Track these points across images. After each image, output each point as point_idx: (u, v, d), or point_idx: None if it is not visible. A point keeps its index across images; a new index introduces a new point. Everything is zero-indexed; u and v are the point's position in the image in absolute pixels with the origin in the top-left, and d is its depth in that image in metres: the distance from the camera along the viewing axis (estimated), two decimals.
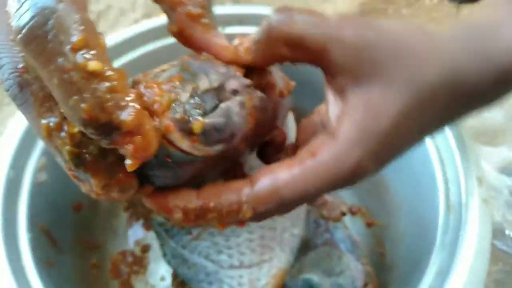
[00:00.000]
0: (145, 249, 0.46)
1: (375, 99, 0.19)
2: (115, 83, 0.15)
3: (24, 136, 0.35)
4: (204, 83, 0.20)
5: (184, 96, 0.19)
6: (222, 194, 0.20)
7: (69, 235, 0.39)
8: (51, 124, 0.17)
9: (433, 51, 0.20)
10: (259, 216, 0.20)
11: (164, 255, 0.41)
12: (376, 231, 0.46)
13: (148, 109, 0.18)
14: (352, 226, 0.47)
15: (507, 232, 0.40)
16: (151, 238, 0.47)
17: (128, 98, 0.15)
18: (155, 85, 0.19)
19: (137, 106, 0.16)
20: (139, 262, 0.46)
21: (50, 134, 0.17)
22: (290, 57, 0.20)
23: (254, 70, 0.22)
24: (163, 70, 0.21)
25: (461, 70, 0.20)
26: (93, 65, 0.15)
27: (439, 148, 0.34)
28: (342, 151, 0.19)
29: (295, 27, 0.19)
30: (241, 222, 0.20)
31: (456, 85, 0.19)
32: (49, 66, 0.15)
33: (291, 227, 0.36)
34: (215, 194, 0.20)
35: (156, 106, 0.18)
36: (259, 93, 0.21)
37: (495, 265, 0.40)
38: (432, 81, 0.19)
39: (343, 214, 0.41)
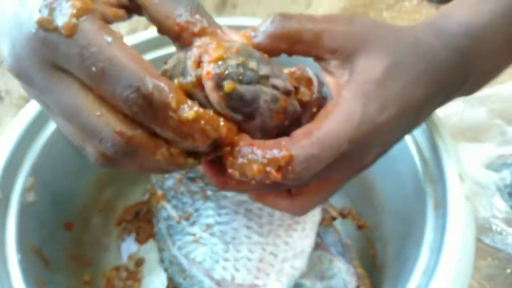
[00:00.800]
0: (139, 263, 0.46)
1: (365, 65, 0.24)
2: (206, 116, 0.22)
3: (11, 157, 0.35)
4: (253, 64, 0.23)
5: (232, 62, 0.23)
6: (266, 143, 0.24)
7: (61, 253, 0.39)
8: (165, 153, 0.22)
9: (402, 30, 0.26)
10: (304, 168, 0.23)
11: (162, 261, 0.41)
12: (367, 233, 0.46)
13: (200, 58, 0.23)
14: (344, 229, 0.47)
15: (493, 227, 0.40)
16: (144, 251, 0.47)
17: (220, 121, 0.23)
18: (215, 42, 0.23)
19: (223, 123, 0.23)
20: (133, 276, 0.46)
21: (167, 157, 0.22)
22: (289, 50, 0.25)
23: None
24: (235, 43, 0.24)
25: (421, 40, 0.26)
26: (190, 115, 0.21)
27: (420, 147, 0.35)
28: (351, 104, 0.23)
29: (293, 24, 0.24)
30: (282, 170, 0.23)
31: (418, 50, 0.26)
32: (163, 126, 0.21)
33: (293, 259, 0.36)
34: (259, 143, 0.24)
35: (205, 57, 0.23)
36: (296, 104, 0.25)
37: (484, 260, 0.40)
38: (404, 47, 0.25)
39: (333, 218, 0.42)
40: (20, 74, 0.22)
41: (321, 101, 0.26)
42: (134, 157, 0.22)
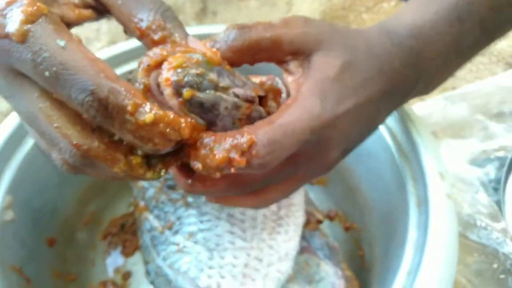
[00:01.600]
0: (126, 276, 0.46)
1: (321, 63, 0.25)
2: (166, 119, 0.21)
3: None
4: (213, 76, 0.23)
5: (192, 70, 0.23)
6: (228, 132, 0.23)
7: (44, 271, 0.38)
8: (123, 167, 0.22)
9: (356, 31, 0.27)
10: (265, 153, 0.22)
11: (148, 273, 0.40)
12: (354, 235, 0.46)
13: (149, 67, 0.23)
14: (331, 232, 0.47)
15: (478, 223, 0.40)
16: (131, 264, 0.46)
17: (181, 123, 0.22)
18: (176, 51, 0.23)
19: (184, 124, 0.22)
20: None
21: (125, 170, 0.22)
22: (251, 61, 0.25)
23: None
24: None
25: (373, 40, 0.27)
26: (149, 118, 0.20)
27: (401, 146, 0.35)
28: (309, 99, 0.24)
29: (251, 35, 0.24)
30: (244, 153, 0.22)
31: (371, 50, 0.27)
32: (122, 131, 0.20)
33: (278, 262, 0.36)
34: (221, 133, 0.23)
35: (165, 64, 0.23)
36: (262, 110, 0.25)
37: (471, 256, 0.40)
38: (358, 47, 0.26)
39: (319, 222, 0.42)
40: None
41: None
42: (92, 168, 0.21)
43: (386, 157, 0.37)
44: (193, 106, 0.23)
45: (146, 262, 0.41)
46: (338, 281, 0.38)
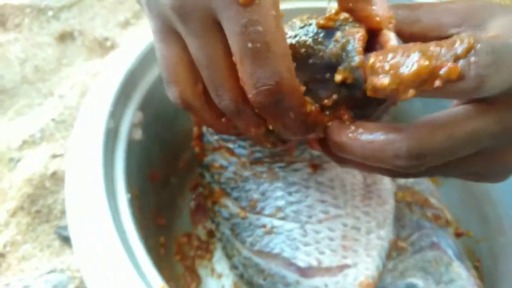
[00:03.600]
0: (212, 234, 0.42)
1: (499, 26, 0.23)
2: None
3: (122, 85, 0.30)
4: None
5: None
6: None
7: (147, 205, 0.35)
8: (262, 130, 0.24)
9: None
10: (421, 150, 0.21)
11: (235, 268, 0.37)
12: (468, 243, 0.42)
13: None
14: None
15: None
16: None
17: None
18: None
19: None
20: (205, 247, 0.41)
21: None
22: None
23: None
24: None
25: None
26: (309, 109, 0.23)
27: None
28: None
29: (419, 14, 0.25)
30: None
31: None
32: (276, 122, 0.23)
33: (377, 229, 0.33)
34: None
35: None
36: None
37: None
38: None
39: (448, 223, 0.38)
40: (181, 8, 0.21)
41: None
42: (277, 105, 0.21)
43: None
44: None
45: (230, 257, 0.37)
46: None
